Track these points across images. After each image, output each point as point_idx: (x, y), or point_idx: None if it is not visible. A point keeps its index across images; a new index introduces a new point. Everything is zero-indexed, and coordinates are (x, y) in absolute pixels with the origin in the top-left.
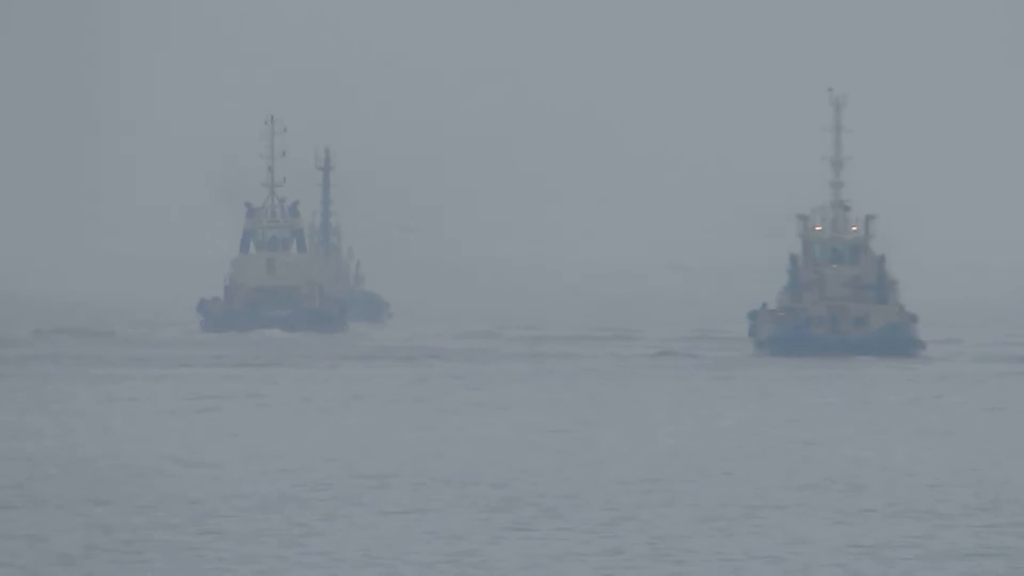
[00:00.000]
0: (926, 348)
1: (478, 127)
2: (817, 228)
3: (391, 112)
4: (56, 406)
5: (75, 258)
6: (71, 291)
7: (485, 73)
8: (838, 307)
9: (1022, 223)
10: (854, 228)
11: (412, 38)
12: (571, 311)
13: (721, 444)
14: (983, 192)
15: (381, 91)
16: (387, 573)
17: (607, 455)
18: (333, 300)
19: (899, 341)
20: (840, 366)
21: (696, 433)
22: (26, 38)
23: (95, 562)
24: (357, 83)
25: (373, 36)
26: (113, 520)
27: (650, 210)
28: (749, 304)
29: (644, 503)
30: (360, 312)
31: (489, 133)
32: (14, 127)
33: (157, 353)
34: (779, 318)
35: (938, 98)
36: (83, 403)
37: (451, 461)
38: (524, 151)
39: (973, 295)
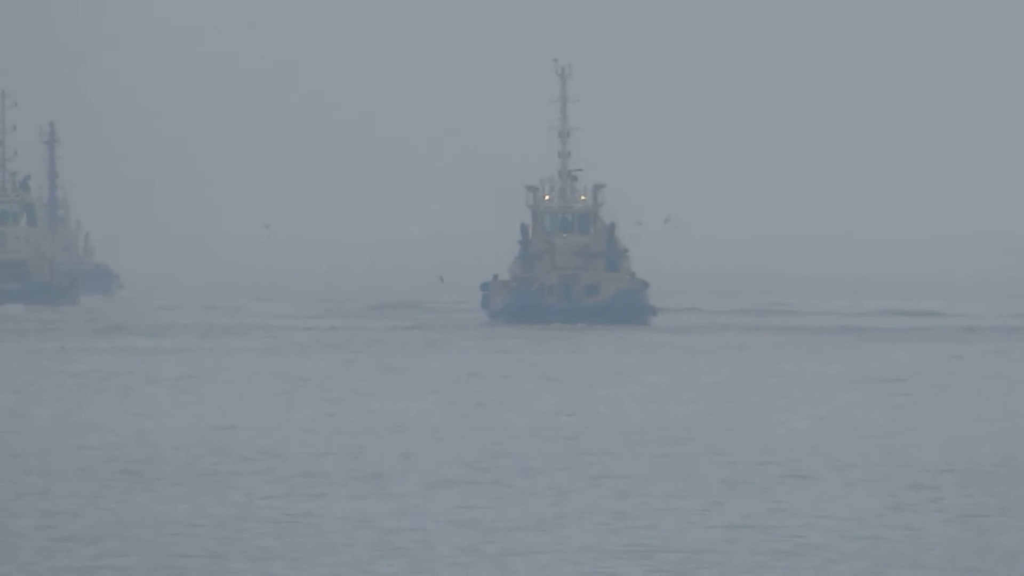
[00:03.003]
0: (658, 315)
1: (227, 109)
2: (546, 198)
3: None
4: None
5: None
6: None
7: (230, 57)
8: (569, 276)
9: (750, 193)
10: (583, 198)
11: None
12: (321, 285)
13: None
14: (709, 160)
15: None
16: None
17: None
18: (64, 273)
19: (631, 308)
20: (564, 334)
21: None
22: None
23: None
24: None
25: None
26: None
27: (378, 185)
28: (482, 276)
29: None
30: (91, 285)
31: (235, 115)
32: None
33: None
34: (511, 288)
35: (661, 67)
36: None
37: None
38: (270, 133)
39: (703, 265)
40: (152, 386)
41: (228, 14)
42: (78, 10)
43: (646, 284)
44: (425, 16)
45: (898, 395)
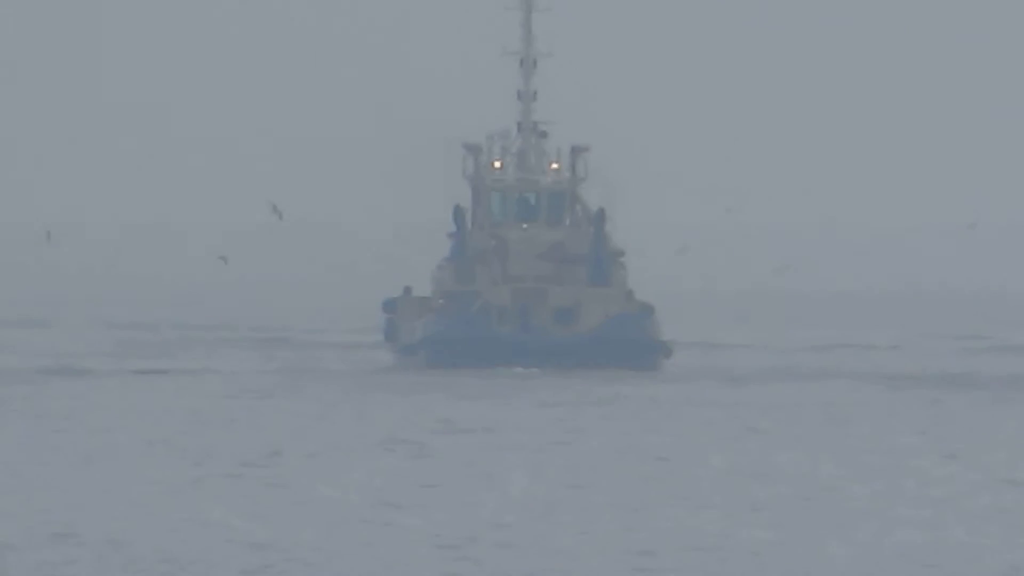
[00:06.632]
0: (672, 356)
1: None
2: (496, 166)
3: None
4: None
5: None
6: None
7: None
8: (531, 292)
9: (784, 165)
10: (554, 166)
11: None
12: None
13: None
14: (723, 113)
15: None
16: None
17: None
18: None
19: (628, 346)
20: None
21: None
22: None
23: None
24: None
25: None
26: None
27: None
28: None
29: None
30: None
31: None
32: None
33: None
34: (437, 309)
35: None
36: None
37: None
38: None
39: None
40: None
41: None
42: None
43: (651, 308)
44: None
45: None
